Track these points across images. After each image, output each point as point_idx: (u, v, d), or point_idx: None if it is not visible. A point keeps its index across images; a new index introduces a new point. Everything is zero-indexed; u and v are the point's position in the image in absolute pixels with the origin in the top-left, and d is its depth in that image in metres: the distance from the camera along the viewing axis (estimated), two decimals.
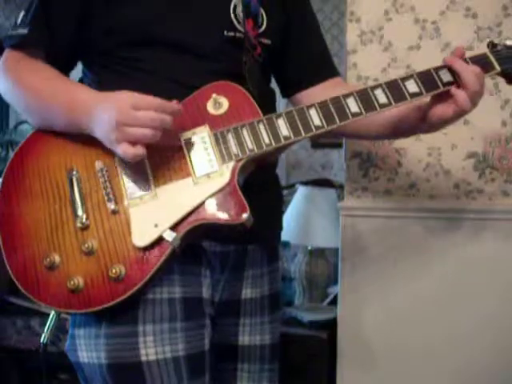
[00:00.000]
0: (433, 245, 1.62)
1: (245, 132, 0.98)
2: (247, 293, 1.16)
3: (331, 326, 1.90)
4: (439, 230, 1.61)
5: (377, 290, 1.67)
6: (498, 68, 1.06)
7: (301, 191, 2.47)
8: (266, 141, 0.98)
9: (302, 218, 2.38)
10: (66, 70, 1.14)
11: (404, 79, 1.04)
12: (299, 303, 2.31)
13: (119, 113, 0.93)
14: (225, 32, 1.10)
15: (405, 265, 1.64)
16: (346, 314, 1.70)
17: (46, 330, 1.08)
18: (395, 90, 1.03)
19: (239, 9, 1.11)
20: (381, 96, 1.02)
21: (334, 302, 2.16)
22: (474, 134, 1.59)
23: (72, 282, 0.94)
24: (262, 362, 1.18)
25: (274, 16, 1.17)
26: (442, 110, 1.05)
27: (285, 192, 3.31)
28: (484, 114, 1.56)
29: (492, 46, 1.09)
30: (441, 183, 1.63)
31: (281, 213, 1.30)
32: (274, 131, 0.98)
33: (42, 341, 1.08)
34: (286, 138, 0.98)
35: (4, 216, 1.02)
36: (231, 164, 0.97)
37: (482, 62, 1.05)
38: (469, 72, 1.01)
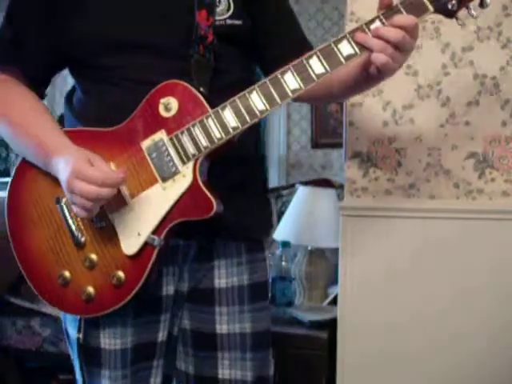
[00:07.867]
0: (432, 245, 1.62)
1: (197, 130, 1.05)
2: (221, 282, 1.20)
3: (331, 325, 1.90)
4: (439, 230, 1.61)
5: (377, 289, 1.67)
6: (430, 8, 1.03)
7: (301, 191, 2.47)
8: (218, 135, 1.04)
9: (302, 218, 2.37)
10: (47, 79, 1.22)
11: (308, 58, 1.02)
12: (299, 303, 2.30)
13: (65, 181, 1.02)
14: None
15: (404, 264, 1.64)
16: (346, 314, 1.70)
17: None
18: (302, 70, 1.02)
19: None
20: (291, 81, 1.02)
21: (334, 301, 2.16)
22: (473, 134, 1.59)
23: (85, 294, 1.09)
24: (243, 350, 1.20)
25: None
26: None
27: (285, 192, 3.31)
28: (484, 114, 1.57)
29: None
30: (441, 183, 1.63)
31: (264, 208, 1.29)
32: (222, 124, 1.04)
33: None
34: (234, 128, 1.04)
35: (17, 245, 1.15)
36: (190, 164, 1.05)
37: (413, 3, 1.03)
38: (372, 40, 1.03)
